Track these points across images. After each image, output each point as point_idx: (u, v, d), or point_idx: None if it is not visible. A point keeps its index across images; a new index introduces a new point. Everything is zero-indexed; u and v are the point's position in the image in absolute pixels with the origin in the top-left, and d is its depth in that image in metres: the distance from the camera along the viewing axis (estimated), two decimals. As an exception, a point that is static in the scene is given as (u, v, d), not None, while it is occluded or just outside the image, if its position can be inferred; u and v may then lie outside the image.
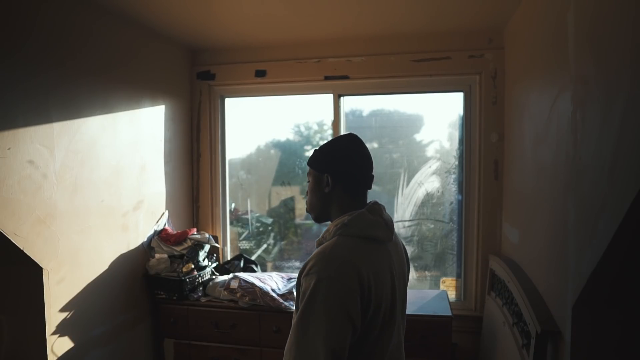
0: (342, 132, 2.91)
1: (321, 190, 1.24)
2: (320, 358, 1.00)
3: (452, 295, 2.84)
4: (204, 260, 2.70)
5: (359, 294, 1.06)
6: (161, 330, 2.60)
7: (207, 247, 2.74)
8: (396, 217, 2.97)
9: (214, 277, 2.76)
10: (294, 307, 2.41)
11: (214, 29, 2.61)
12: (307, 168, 1.32)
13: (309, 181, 1.29)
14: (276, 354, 2.42)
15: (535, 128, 1.95)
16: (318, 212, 1.28)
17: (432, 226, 2.95)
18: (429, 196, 2.91)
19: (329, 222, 1.26)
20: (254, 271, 2.91)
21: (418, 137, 2.98)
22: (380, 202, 1.28)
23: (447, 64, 2.68)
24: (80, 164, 2.05)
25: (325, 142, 1.31)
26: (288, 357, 1.05)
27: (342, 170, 1.22)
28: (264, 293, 2.42)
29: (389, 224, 1.22)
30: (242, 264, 2.94)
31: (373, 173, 1.29)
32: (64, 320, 1.98)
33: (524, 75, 2.20)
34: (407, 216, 2.95)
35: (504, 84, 2.60)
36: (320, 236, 1.23)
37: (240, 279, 2.54)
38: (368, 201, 1.27)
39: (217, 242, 2.92)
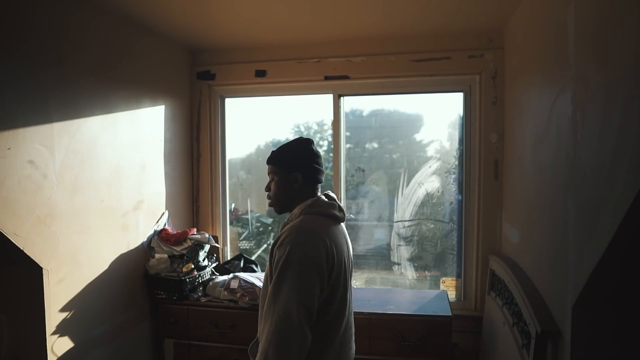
0: (342, 132, 2.92)
1: (290, 186, 1.46)
2: (294, 312, 1.20)
3: (452, 295, 2.84)
4: (204, 260, 2.70)
5: (325, 258, 1.28)
6: (161, 330, 2.60)
7: (207, 247, 2.74)
8: (396, 217, 2.97)
9: (214, 277, 2.76)
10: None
11: (214, 29, 2.61)
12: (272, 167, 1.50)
13: (273, 179, 1.49)
14: (276, 354, 2.42)
15: (535, 128, 1.95)
16: (284, 205, 1.49)
17: (432, 226, 2.95)
18: (429, 196, 2.91)
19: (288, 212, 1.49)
20: (254, 271, 2.91)
21: (418, 137, 2.98)
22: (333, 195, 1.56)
23: (447, 64, 2.68)
24: (80, 164, 2.05)
25: (286, 144, 1.53)
26: (267, 317, 1.22)
27: (309, 168, 1.47)
28: (264, 293, 2.42)
29: (341, 208, 1.50)
30: (242, 264, 2.94)
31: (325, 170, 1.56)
32: (64, 320, 1.98)
33: (524, 75, 2.20)
34: (407, 216, 2.95)
35: (504, 84, 2.60)
36: (285, 220, 1.47)
37: (240, 279, 2.54)
38: (322, 192, 1.53)
39: (217, 242, 2.92)
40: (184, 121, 2.98)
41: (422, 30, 2.62)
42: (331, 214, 1.43)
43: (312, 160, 1.48)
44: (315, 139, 3.11)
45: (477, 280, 2.73)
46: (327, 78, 2.86)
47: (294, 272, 1.23)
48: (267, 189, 1.52)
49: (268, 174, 1.51)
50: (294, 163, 1.46)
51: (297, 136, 1.55)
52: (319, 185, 1.52)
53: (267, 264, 1.38)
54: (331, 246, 1.31)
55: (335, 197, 1.54)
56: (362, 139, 3.00)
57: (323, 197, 1.47)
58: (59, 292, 1.95)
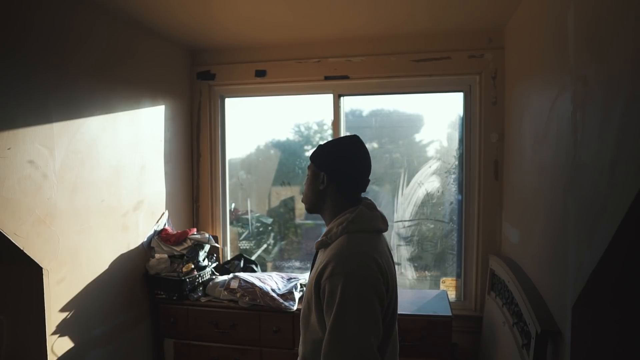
0: (342, 132, 2.92)
1: (316, 185, 1.31)
2: (369, 352, 1.06)
3: (452, 295, 2.84)
4: (204, 260, 2.70)
5: (381, 280, 1.14)
6: (161, 330, 2.60)
7: (207, 247, 2.74)
8: (396, 217, 2.97)
9: (214, 277, 2.76)
10: (294, 307, 2.41)
11: (214, 29, 2.61)
12: (308, 164, 1.39)
13: (308, 174, 1.37)
14: (276, 354, 2.42)
15: (535, 128, 1.95)
16: (311, 204, 1.36)
17: (432, 226, 2.95)
18: (429, 196, 2.91)
19: (323, 218, 1.34)
20: (254, 271, 2.91)
21: (418, 137, 2.97)
22: (372, 200, 1.37)
23: (447, 64, 2.68)
24: (80, 164, 2.05)
25: (331, 140, 1.39)
26: (334, 356, 1.07)
27: (338, 171, 1.28)
28: (264, 293, 2.42)
29: (384, 217, 1.33)
30: (242, 264, 2.94)
31: (370, 177, 1.35)
32: (64, 320, 1.98)
33: (524, 75, 2.20)
34: (407, 216, 2.95)
35: (504, 84, 2.60)
36: (321, 237, 1.28)
37: (240, 279, 2.54)
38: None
39: (217, 242, 2.92)
40: (184, 121, 2.98)
41: (422, 30, 2.62)
42: (376, 228, 1.25)
43: (347, 163, 1.28)
44: (315, 139, 3.11)
45: (477, 280, 2.73)
46: (327, 78, 2.86)
47: (356, 305, 1.08)
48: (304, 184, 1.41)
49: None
50: (324, 161, 1.30)
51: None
52: (358, 195, 1.32)
53: (309, 290, 1.22)
54: (384, 267, 1.17)
55: (374, 204, 1.34)
56: (363, 140, 2.99)
57: (364, 208, 1.26)
58: (59, 292, 1.95)
